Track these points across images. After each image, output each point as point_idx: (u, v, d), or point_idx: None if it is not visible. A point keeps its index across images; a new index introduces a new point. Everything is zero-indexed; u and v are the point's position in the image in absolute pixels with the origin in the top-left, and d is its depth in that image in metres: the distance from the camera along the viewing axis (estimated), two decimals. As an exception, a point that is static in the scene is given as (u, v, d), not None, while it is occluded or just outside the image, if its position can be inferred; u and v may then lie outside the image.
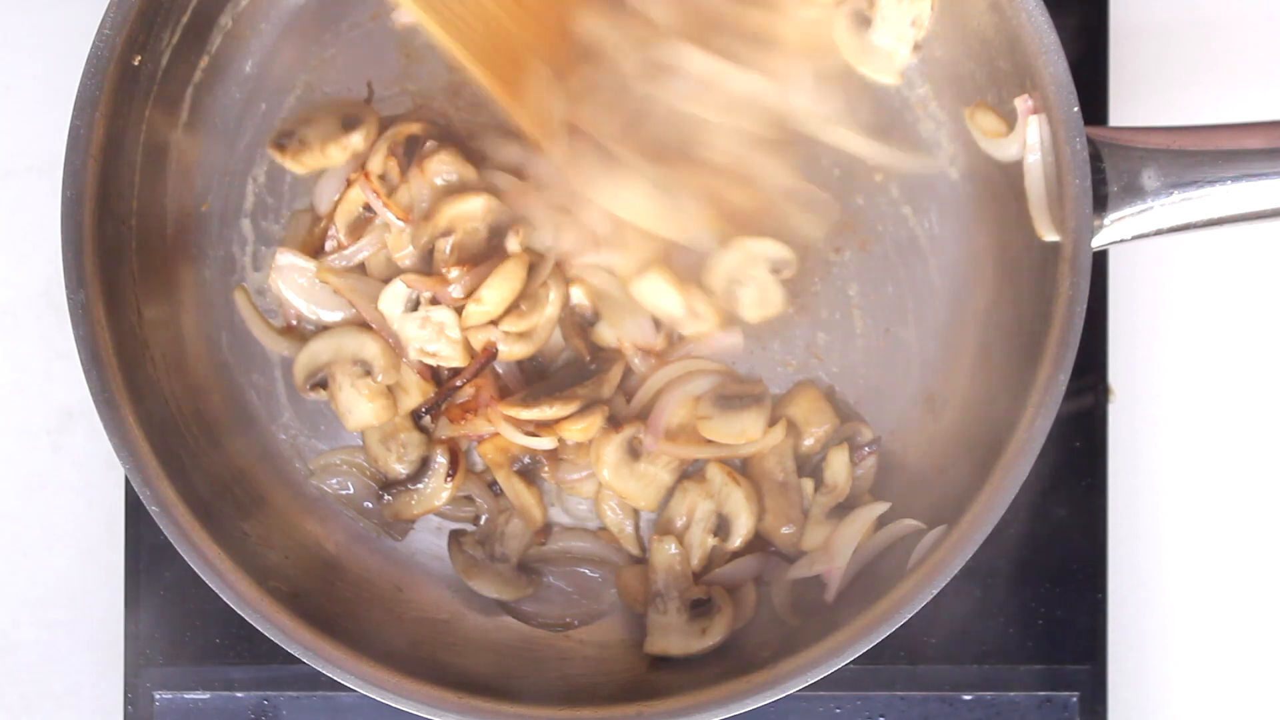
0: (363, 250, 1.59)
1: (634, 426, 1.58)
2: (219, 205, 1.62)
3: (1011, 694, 1.65)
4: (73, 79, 1.44)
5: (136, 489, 1.44)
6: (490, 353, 1.55)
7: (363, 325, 1.60)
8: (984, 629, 1.66)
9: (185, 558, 1.44)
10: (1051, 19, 1.41)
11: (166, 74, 1.53)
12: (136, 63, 1.48)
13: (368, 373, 1.58)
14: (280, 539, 1.58)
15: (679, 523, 1.60)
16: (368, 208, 1.59)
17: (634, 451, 1.59)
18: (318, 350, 1.60)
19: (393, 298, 1.57)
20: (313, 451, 1.64)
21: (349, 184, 1.59)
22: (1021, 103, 1.47)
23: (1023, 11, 1.42)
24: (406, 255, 1.58)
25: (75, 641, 1.76)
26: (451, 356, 1.57)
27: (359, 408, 1.58)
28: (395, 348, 1.58)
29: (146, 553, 1.66)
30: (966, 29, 1.55)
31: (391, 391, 1.59)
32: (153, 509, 1.45)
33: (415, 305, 1.57)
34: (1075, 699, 1.65)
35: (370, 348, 1.58)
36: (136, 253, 1.52)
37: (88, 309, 1.44)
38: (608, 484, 1.58)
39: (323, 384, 1.60)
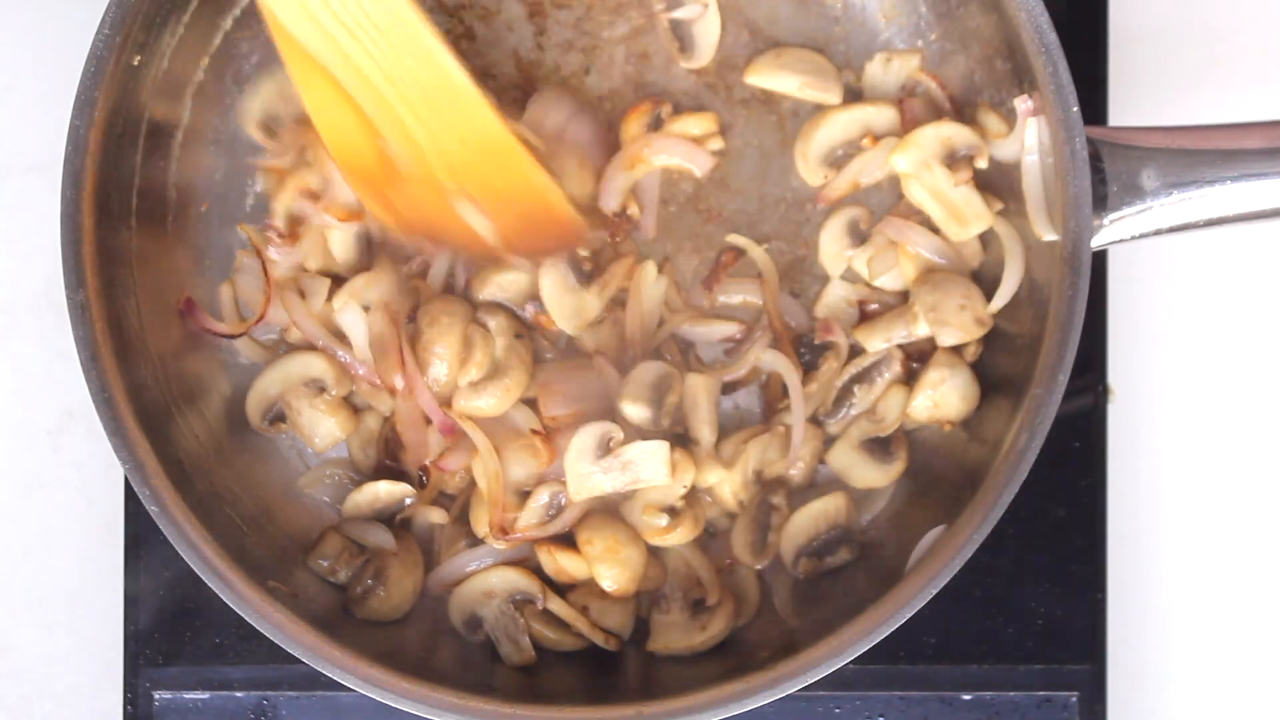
0: (297, 254, 1.58)
1: None
2: (218, 205, 1.62)
3: (1011, 694, 1.65)
4: (73, 79, 1.43)
5: (136, 489, 1.44)
6: None
7: (304, 348, 1.59)
8: (984, 629, 1.66)
9: (185, 558, 1.44)
10: (1051, 19, 1.41)
11: (166, 74, 1.53)
12: (136, 63, 1.48)
13: (322, 390, 1.58)
14: (280, 539, 1.58)
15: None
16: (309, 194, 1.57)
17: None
18: (265, 385, 1.59)
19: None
20: (312, 451, 1.63)
21: (279, 176, 1.58)
22: (1021, 103, 1.47)
23: (1023, 11, 1.42)
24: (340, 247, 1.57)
25: (75, 641, 1.76)
26: None
27: (323, 425, 1.58)
28: (340, 360, 1.58)
29: (146, 553, 1.66)
30: (966, 29, 1.55)
31: (348, 402, 1.59)
32: (152, 509, 1.44)
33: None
34: (1075, 699, 1.65)
35: (316, 365, 1.57)
36: (136, 253, 1.52)
37: (87, 309, 1.44)
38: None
39: (279, 417, 1.60)
